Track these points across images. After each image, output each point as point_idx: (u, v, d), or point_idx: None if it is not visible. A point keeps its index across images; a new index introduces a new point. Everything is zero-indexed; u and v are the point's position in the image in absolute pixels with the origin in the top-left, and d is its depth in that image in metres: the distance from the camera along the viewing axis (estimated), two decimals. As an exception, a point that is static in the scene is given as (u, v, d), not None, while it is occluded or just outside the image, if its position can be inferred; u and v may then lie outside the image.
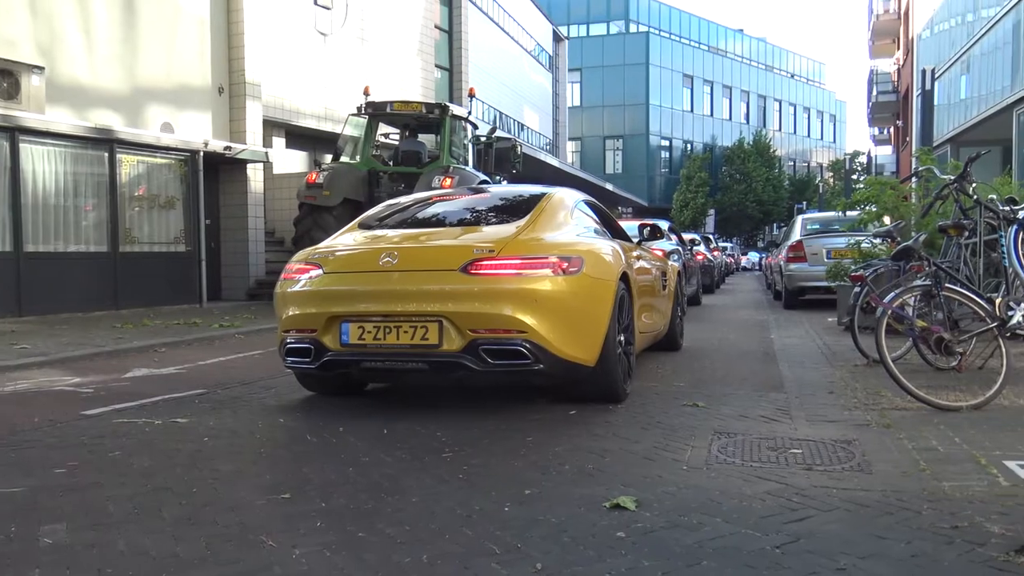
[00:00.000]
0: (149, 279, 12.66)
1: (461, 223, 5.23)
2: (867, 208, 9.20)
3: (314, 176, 13.14)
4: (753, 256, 53.86)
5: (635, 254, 5.91)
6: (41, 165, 11.25)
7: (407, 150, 14.24)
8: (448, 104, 14.11)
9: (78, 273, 11.64)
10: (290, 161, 18.07)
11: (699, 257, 16.62)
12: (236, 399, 5.29)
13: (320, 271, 4.64)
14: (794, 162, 70.18)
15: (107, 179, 12.13)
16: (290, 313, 4.68)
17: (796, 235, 13.08)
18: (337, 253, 4.76)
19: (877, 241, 9.89)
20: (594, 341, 4.59)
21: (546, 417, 4.48)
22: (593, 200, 6.04)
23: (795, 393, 5.13)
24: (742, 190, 58.42)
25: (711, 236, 27.76)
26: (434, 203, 5.70)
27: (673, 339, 7.30)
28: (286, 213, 16.65)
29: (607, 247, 5.05)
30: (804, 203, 50.61)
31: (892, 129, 36.95)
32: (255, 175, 15.31)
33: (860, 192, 9.62)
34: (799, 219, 13.86)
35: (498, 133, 16.10)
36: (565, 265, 4.43)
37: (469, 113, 14.79)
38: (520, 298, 4.28)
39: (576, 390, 4.78)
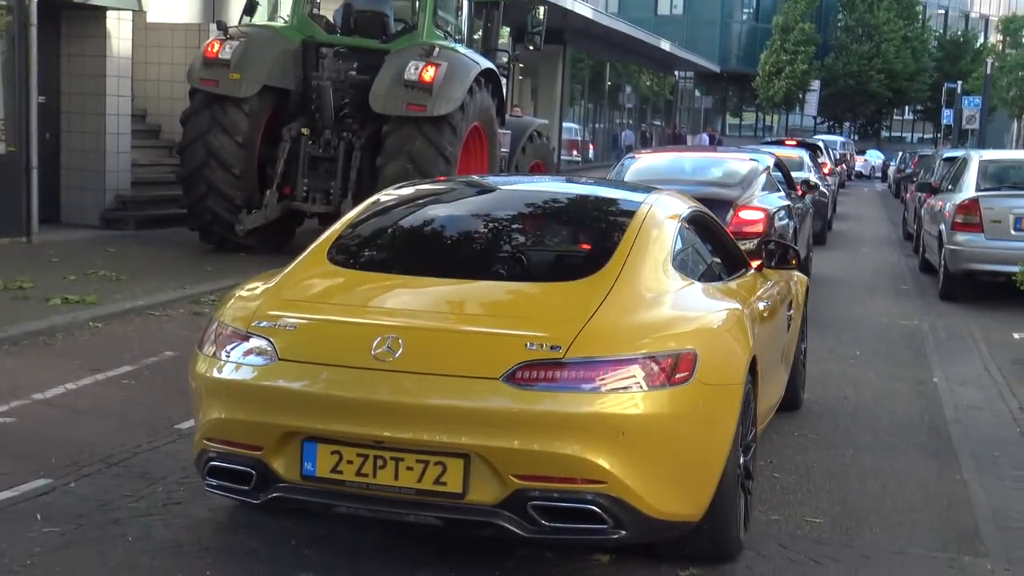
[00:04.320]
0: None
1: (502, 269, 4.88)
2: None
3: (216, 47, 12.60)
4: (873, 156, 53.59)
5: (759, 294, 5.59)
6: None
7: (364, 10, 13.63)
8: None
9: None
10: (174, 5, 17.37)
11: (801, 192, 16.09)
12: (102, 515, 4.97)
13: (270, 353, 4.25)
14: (945, 12, 69.10)
15: None
16: (218, 416, 4.31)
17: (969, 189, 12.71)
18: (299, 323, 4.37)
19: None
20: (705, 485, 4.30)
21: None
22: (701, 210, 5.67)
23: (1002, 560, 4.88)
24: (865, 52, 57.60)
25: (821, 144, 27.29)
26: (450, 212, 5.38)
27: (794, 394, 7.05)
28: (166, 87, 16.17)
29: (731, 319, 4.71)
30: (959, 83, 50.00)
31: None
32: (119, 29, 14.73)
33: None
34: (975, 160, 13.44)
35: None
36: (669, 370, 4.09)
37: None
38: (598, 430, 3.95)
39: (662, 545, 4.52)
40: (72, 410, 6.76)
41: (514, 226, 5.34)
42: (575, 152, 38.25)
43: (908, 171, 30.34)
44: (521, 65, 16.37)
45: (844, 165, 39.10)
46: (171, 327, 9.37)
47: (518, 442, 3.94)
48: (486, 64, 13.56)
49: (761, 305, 5.54)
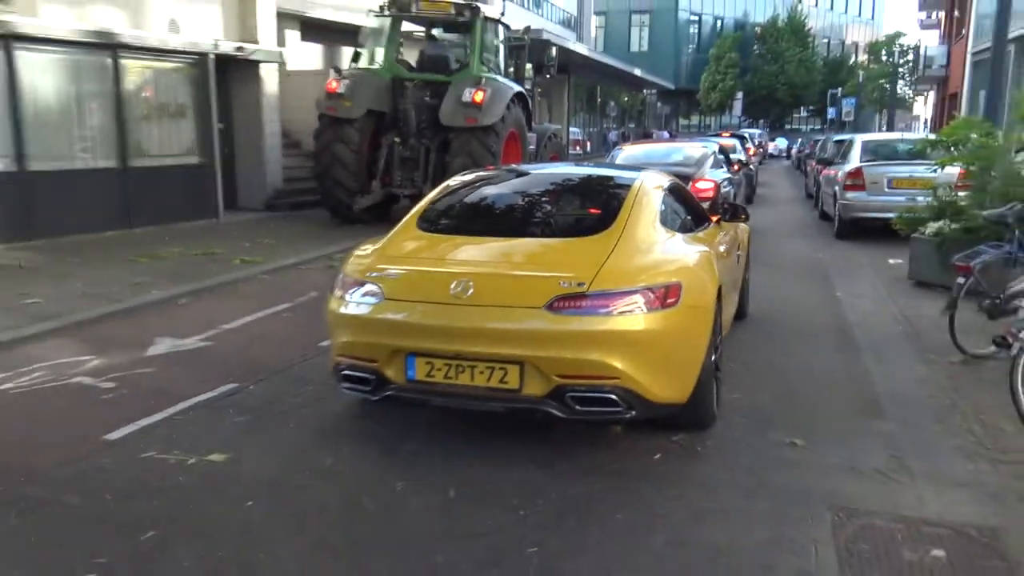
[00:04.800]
0: (162, 194, 12.00)
1: (538, 229, 4.60)
2: (954, 153, 8.29)
3: (334, 84, 12.26)
4: (780, 142, 52.28)
5: (718, 240, 5.27)
6: (40, 75, 10.40)
7: (433, 55, 13.24)
8: (479, 4, 12.95)
9: (87, 191, 10.99)
10: (305, 56, 17.00)
11: (736, 168, 15.63)
12: (272, 408, 4.80)
13: (379, 295, 4.04)
14: (828, 40, 66.78)
15: (111, 88, 11.28)
16: (346, 339, 4.12)
17: (855, 161, 12.19)
18: (399, 273, 4.14)
19: (944, 177, 9.07)
20: (690, 377, 4.06)
21: (624, 469, 3.97)
22: (676, 182, 5.35)
23: (899, 422, 4.59)
24: (773, 71, 55.97)
25: (746, 135, 26.48)
26: (499, 191, 5.12)
27: (742, 309, 6.74)
28: (302, 114, 15.76)
29: (703, 259, 4.42)
30: (839, 88, 48.47)
31: (943, 15, 34.71)
32: (269, 76, 14.36)
33: (949, 131, 8.62)
34: (858, 141, 12.90)
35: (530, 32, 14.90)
36: (663, 297, 3.83)
37: (502, 14, 13.65)
38: (613, 341, 3.72)
39: (659, 419, 4.27)
40: (250, 335, 6.59)
41: (545, 198, 5.04)
42: (578, 148, 37.61)
43: (806, 151, 29.54)
44: (540, 89, 15.81)
45: (761, 149, 38.04)
46: (313, 276, 9.17)
47: (558, 352, 3.73)
48: (517, 88, 13.12)
49: (722, 248, 5.24)
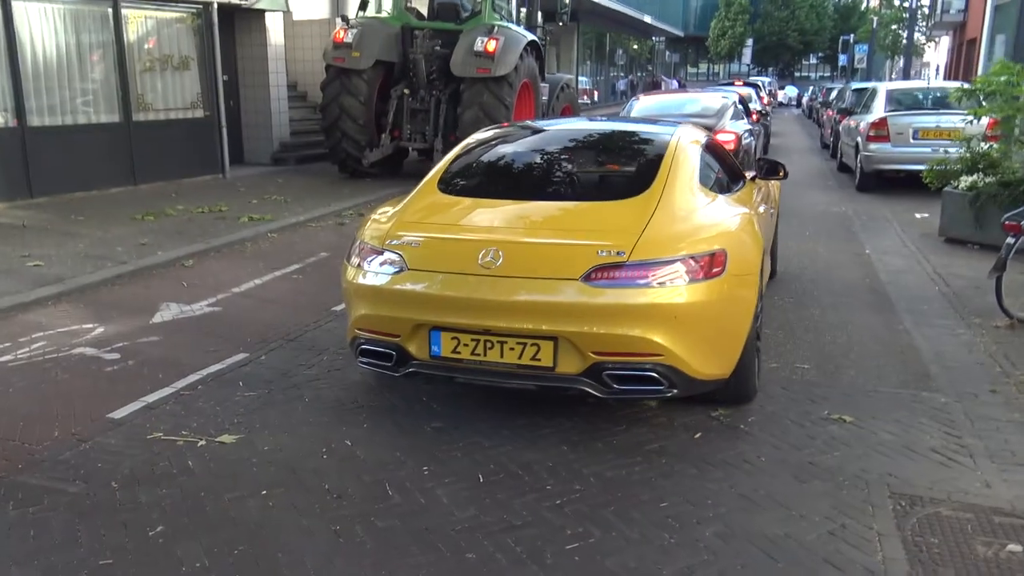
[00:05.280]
0: (166, 149, 11.58)
1: (570, 192, 4.23)
2: (986, 104, 7.81)
3: (341, 34, 11.74)
4: (790, 90, 51.23)
5: (756, 200, 4.90)
6: (39, 27, 9.92)
7: (444, 2, 12.67)
8: (492, -52, 12.32)
9: (90, 147, 10.58)
10: (312, 5, 16.35)
11: (755, 118, 15.11)
12: (285, 380, 4.50)
13: (401, 264, 3.69)
14: (839, -18, 65.03)
15: (112, 39, 10.79)
16: (364, 312, 3.78)
17: (879, 110, 11.68)
18: (421, 240, 3.77)
19: (973, 128, 8.60)
20: (734, 351, 3.74)
21: (664, 449, 3.68)
22: (711, 137, 4.95)
23: (950, 393, 4.27)
24: (783, 17, 54.69)
25: (759, 83, 25.78)
26: (525, 150, 4.73)
27: (773, 268, 6.38)
28: (309, 65, 15.30)
29: (746, 223, 4.04)
30: (851, 35, 47.20)
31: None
32: (274, 25, 13.78)
33: (985, 79, 8.09)
34: (882, 90, 12.36)
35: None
36: (707, 266, 3.49)
37: (514, -42, 13.02)
38: (655, 315, 3.38)
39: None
40: (259, 299, 6.28)
41: (574, 158, 4.67)
42: (585, 97, 36.75)
43: (819, 99, 28.79)
44: (550, 38, 15.23)
45: (772, 97, 37.24)
46: (323, 235, 8.84)
47: (595, 327, 3.39)
48: (531, 37, 12.57)
49: (760, 208, 4.86)
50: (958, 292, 6.26)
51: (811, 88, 39.02)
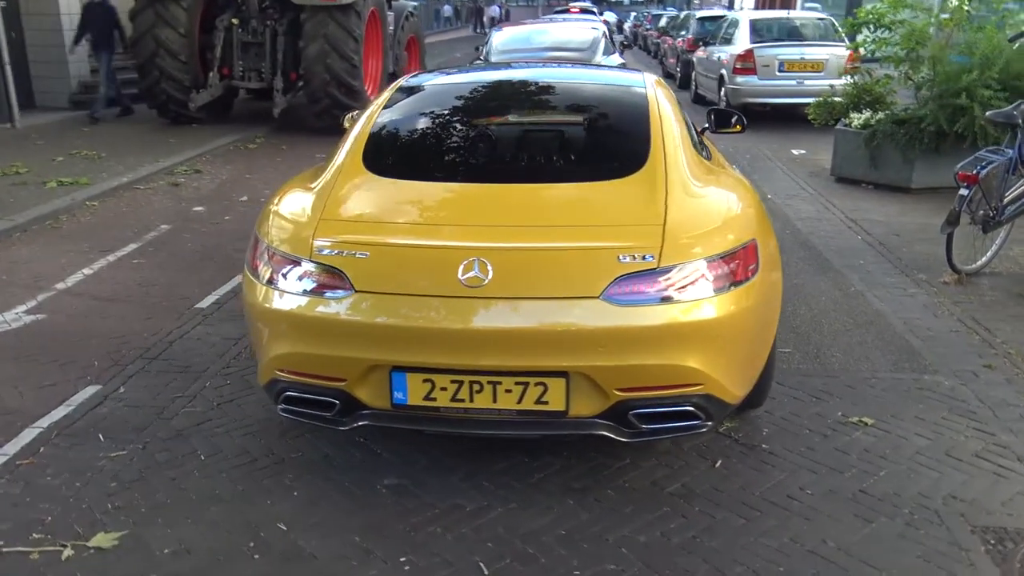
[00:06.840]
0: (-67, 95, 9.37)
1: (552, 169, 3.32)
2: (884, 36, 7.53)
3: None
4: (609, 16, 51.39)
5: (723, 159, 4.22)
6: None
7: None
8: None
9: None
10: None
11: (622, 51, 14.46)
12: (163, 426, 3.37)
13: (342, 282, 2.64)
14: None
15: None
16: (288, 350, 2.72)
17: (744, 42, 11.39)
18: (369, 247, 2.69)
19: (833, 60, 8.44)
20: (761, 363, 3.05)
21: (689, 490, 2.97)
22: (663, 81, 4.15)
23: (950, 374, 3.85)
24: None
25: (594, 8, 25.23)
26: (472, 108, 3.73)
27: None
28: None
29: (751, 195, 3.26)
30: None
31: None
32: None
33: (874, 10, 7.70)
34: (745, 19, 12.05)
35: None
36: (743, 264, 2.74)
37: None
38: (695, 336, 2.61)
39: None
40: (95, 298, 4.94)
41: (545, 121, 3.73)
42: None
43: (646, 26, 29.20)
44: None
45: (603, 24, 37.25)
46: (157, 200, 7.37)
47: (622, 358, 2.55)
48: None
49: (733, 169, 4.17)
50: (883, 241, 5.96)
51: (632, 15, 39.22)
